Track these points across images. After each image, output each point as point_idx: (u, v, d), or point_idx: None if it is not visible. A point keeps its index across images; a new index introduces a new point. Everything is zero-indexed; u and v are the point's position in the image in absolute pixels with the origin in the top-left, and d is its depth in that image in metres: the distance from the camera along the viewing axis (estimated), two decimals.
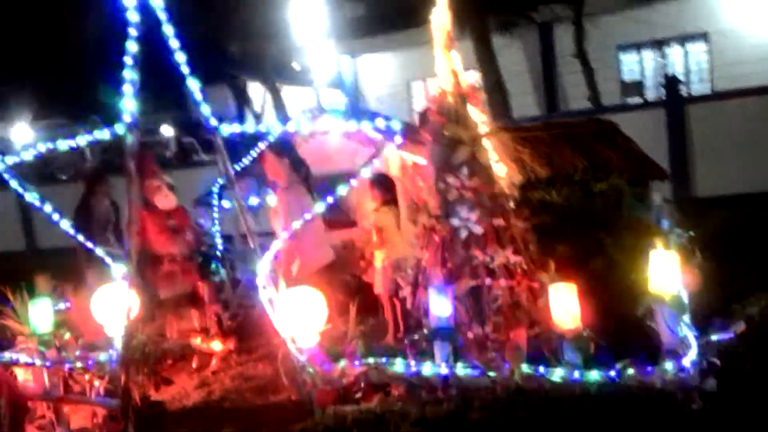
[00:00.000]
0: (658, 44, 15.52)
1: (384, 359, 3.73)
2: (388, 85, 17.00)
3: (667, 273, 3.85)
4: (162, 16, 3.82)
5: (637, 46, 15.67)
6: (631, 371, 3.39)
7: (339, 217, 8.26)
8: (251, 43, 16.93)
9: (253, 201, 7.06)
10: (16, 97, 18.10)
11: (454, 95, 4.39)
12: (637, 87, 15.86)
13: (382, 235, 5.65)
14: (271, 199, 6.61)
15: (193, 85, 3.85)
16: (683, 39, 15.23)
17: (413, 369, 3.60)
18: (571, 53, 15.09)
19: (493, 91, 14.95)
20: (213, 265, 6.93)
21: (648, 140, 9.97)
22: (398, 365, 3.65)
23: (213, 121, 3.89)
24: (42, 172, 16.56)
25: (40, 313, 4.42)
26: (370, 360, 3.71)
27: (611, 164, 6.44)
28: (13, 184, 4.17)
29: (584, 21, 14.87)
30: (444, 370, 3.57)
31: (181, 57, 3.81)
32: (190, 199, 7.89)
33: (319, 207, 3.96)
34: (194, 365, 5.89)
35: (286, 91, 19.09)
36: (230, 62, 18.12)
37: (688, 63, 15.38)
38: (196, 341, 5.91)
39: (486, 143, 4.62)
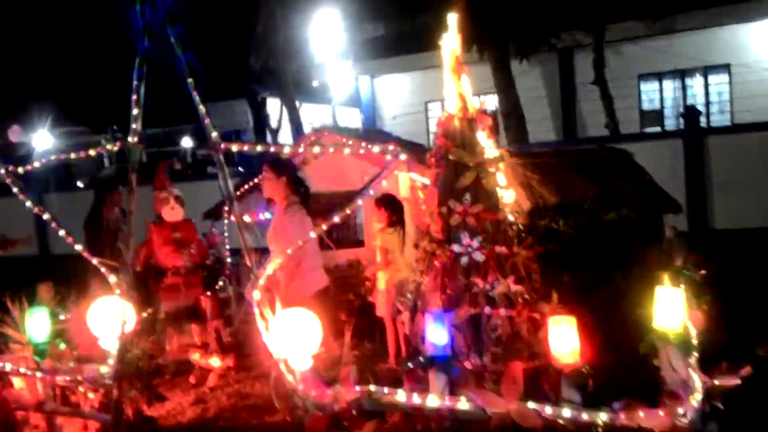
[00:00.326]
0: (680, 74, 15.41)
1: (378, 386, 3.64)
2: (406, 105, 17.02)
3: (672, 310, 3.73)
4: (171, 36, 3.81)
5: (658, 76, 15.57)
6: (629, 412, 3.27)
7: (347, 236, 8.23)
8: (272, 60, 17.08)
9: (262, 216, 7.04)
10: (38, 104, 18.40)
11: (461, 120, 4.33)
12: (657, 116, 15.75)
13: (387, 257, 5.60)
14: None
15: (198, 101, 3.84)
16: (705, 70, 15.11)
17: (406, 399, 3.51)
18: (591, 80, 15.02)
19: (511, 116, 14.92)
20: (220, 281, 6.90)
21: (665, 170, 9.86)
22: (391, 394, 3.56)
23: (215, 138, 3.87)
24: (61, 179, 16.79)
25: (37, 322, 4.39)
26: (364, 386, 3.63)
27: (623, 194, 6.33)
28: (16, 192, 4.17)
29: (605, 49, 14.80)
30: (437, 401, 3.49)
31: (188, 75, 3.80)
32: (203, 212, 7.90)
33: (317, 230, 3.90)
34: (192, 381, 5.85)
35: (305, 109, 19.21)
36: (251, 78, 18.28)
37: (709, 94, 15.25)
38: (195, 356, 5.87)
39: (494, 169, 4.56)
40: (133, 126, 3.90)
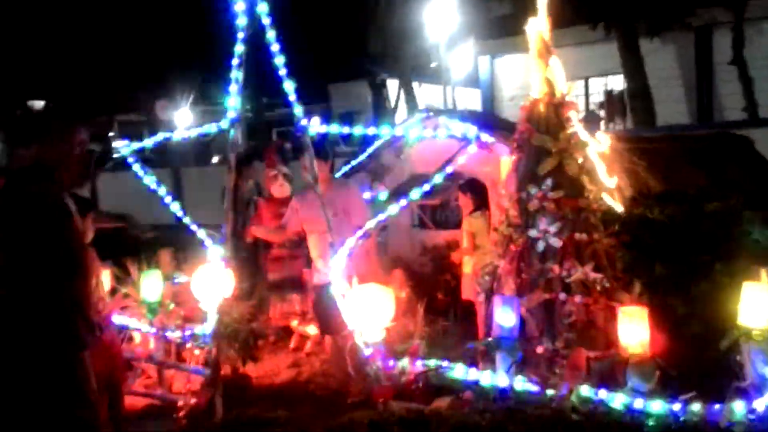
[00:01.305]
0: None
1: (445, 362, 3.79)
2: (524, 86, 16.67)
3: (758, 307, 3.57)
4: (266, 21, 4.10)
5: None
6: (696, 407, 3.20)
7: (449, 217, 8.32)
8: (390, 42, 17.32)
9: (366, 195, 7.33)
10: (181, 83, 19.86)
11: (546, 105, 4.32)
12: None
13: (474, 241, 5.67)
14: (383, 195, 6.87)
15: (289, 86, 4.11)
16: None
17: (469, 377, 3.63)
18: (729, 60, 13.98)
19: (637, 97, 14.24)
20: None
21: None
22: (457, 371, 3.70)
23: (304, 121, 4.14)
24: (199, 155, 18.16)
25: (151, 283, 4.92)
26: (431, 362, 3.79)
27: (735, 184, 5.96)
28: (135, 167, 4.67)
29: (746, 26, 13.70)
30: (501, 381, 3.57)
31: (280, 60, 4.08)
32: None
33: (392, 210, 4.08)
34: (291, 346, 6.28)
35: (423, 89, 19.35)
36: (370, 60, 18.67)
37: None
38: (294, 323, 6.28)
39: (592, 155, 4.50)
40: (231, 107, 4.26)
